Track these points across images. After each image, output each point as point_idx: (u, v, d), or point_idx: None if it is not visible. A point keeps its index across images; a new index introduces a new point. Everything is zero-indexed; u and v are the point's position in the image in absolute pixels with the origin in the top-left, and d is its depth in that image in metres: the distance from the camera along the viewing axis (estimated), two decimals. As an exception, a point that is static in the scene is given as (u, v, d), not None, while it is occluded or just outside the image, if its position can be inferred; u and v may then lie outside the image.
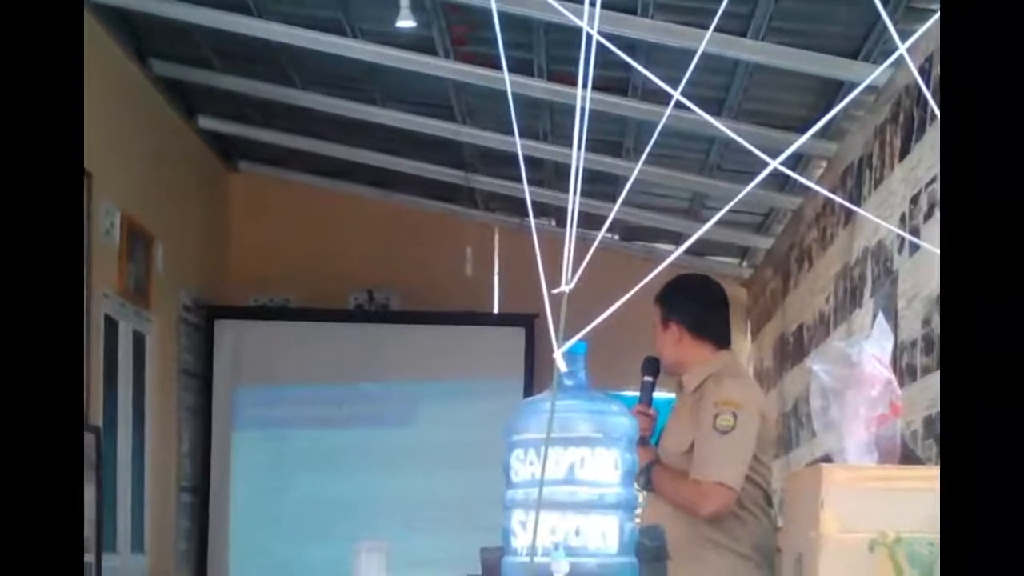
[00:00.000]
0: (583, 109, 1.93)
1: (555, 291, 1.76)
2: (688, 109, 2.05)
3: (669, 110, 2.13)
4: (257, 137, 7.37)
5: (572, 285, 1.80)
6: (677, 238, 7.87)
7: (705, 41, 2.91)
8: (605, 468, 1.92)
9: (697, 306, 3.84)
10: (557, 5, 2.09)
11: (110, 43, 5.88)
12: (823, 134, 5.36)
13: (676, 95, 2.13)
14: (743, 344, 8.06)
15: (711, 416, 3.65)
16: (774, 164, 1.98)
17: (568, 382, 1.96)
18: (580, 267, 1.87)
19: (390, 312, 8.00)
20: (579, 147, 1.92)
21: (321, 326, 7.71)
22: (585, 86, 1.90)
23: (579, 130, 1.91)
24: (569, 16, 2.07)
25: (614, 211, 2.30)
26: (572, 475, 1.91)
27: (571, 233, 1.88)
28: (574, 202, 1.85)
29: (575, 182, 1.87)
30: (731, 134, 2.32)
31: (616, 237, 7.73)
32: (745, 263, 8.03)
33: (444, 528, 7.32)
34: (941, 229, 1.61)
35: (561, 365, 1.83)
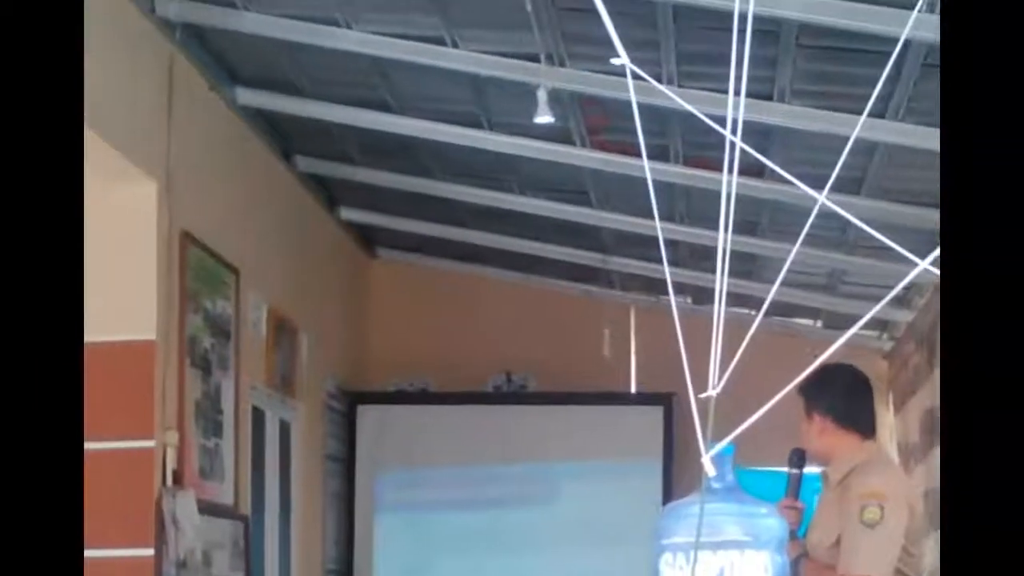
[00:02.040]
0: (727, 213, 1.96)
1: (702, 395, 1.78)
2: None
3: (816, 208, 2.14)
4: (397, 226, 7.52)
5: (719, 389, 1.82)
6: (816, 313, 7.82)
7: (853, 136, 2.93)
8: (755, 571, 1.93)
9: (841, 397, 3.83)
10: (700, 115, 2.13)
11: (258, 144, 6.07)
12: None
13: (821, 199, 2.15)
14: (886, 417, 7.94)
15: (857, 509, 3.61)
16: (923, 265, 1.98)
17: (716, 485, 1.97)
18: (728, 368, 1.88)
19: (528, 394, 8.04)
20: (724, 257, 1.94)
21: (460, 409, 7.78)
22: (728, 198, 1.93)
23: (724, 226, 1.94)
24: (712, 124, 2.11)
25: (770, 296, 2.32)
26: (722, 578, 1.92)
27: (717, 337, 1.90)
28: (719, 312, 1.87)
29: (720, 287, 1.89)
30: (863, 226, 2.33)
31: (752, 312, 7.70)
32: (885, 335, 7.93)
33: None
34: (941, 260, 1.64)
35: (709, 470, 1.84)
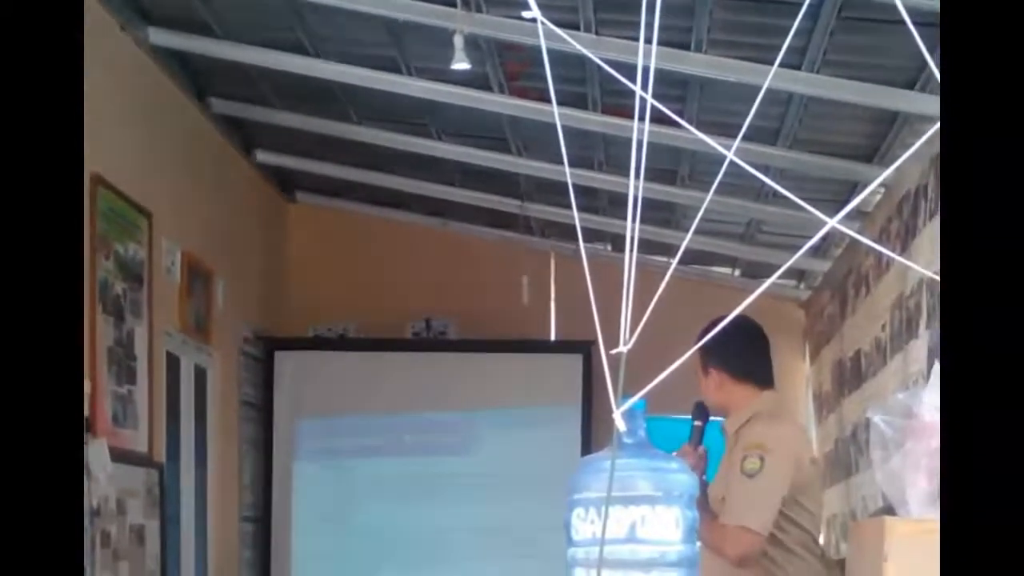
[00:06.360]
0: (639, 162, 1.95)
1: (613, 351, 1.78)
2: (745, 138, 2.07)
3: (724, 169, 2.14)
4: (315, 170, 7.45)
5: (631, 344, 1.81)
6: (733, 262, 7.87)
7: (765, 86, 2.92)
8: (666, 526, 1.92)
9: (735, 349, 3.77)
10: (612, 71, 2.11)
11: (170, 85, 5.97)
12: (880, 162, 5.35)
13: (730, 156, 2.14)
14: (801, 366, 8.03)
15: (739, 460, 3.62)
16: (832, 223, 1.99)
17: (628, 440, 1.97)
18: (641, 321, 1.88)
19: (448, 341, 8.04)
20: (635, 206, 1.94)
21: (380, 355, 7.76)
22: (640, 146, 1.92)
23: (635, 181, 1.93)
24: (619, 77, 2.10)
25: (684, 244, 2.32)
26: (633, 533, 1.92)
27: (628, 293, 1.90)
28: (631, 265, 1.86)
29: (631, 242, 1.88)
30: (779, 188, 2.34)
31: (670, 261, 7.73)
32: (802, 285, 8.02)
33: (506, 556, 7.34)
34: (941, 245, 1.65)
35: (620, 425, 1.84)
